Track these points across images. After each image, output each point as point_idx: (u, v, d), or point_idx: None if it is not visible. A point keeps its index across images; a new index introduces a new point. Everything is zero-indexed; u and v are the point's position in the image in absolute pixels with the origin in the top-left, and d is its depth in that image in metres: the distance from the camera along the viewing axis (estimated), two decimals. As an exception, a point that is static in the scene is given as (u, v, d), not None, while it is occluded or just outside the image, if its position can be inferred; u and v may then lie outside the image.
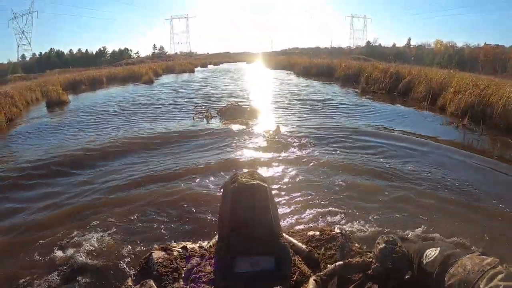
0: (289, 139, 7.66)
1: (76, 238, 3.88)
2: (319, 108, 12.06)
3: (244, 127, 9.03)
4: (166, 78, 28.55)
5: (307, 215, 4.31)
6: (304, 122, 9.75)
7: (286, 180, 5.45)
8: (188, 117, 10.93)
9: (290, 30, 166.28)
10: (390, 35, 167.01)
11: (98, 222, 4.25)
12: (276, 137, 7.90)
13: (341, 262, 2.30)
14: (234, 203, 2.26)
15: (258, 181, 2.26)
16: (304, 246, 2.63)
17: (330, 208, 4.44)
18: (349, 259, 2.34)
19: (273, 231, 2.31)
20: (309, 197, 4.80)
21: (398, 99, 14.11)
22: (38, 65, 61.71)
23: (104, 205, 4.78)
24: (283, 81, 22.39)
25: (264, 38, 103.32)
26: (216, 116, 10.72)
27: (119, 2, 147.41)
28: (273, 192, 3.48)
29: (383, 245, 2.10)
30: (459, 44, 66.83)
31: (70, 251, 3.63)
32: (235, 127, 9.05)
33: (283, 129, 8.45)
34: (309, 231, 2.93)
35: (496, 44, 60.31)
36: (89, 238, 3.86)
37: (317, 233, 2.81)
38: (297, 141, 7.54)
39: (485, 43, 62.64)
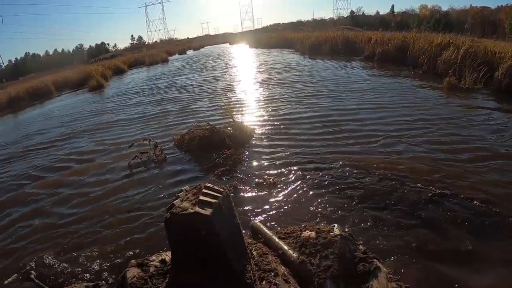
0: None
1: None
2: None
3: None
4: (130, 76, 20.46)
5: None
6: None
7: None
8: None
9: (269, 6, 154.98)
10: (373, 3, 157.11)
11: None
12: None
13: None
14: (170, 240, 1.76)
15: (198, 208, 1.59)
16: (295, 255, 2.09)
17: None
18: None
19: (232, 271, 1.74)
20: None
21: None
22: (15, 71, 54.65)
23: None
24: (290, 68, 13.26)
25: (244, 16, 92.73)
26: (171, 155, 5.31)
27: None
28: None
29: None
30: (444, 8, 62.76)
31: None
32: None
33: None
34: (305, 230, 2.35)
35: (483, 6, 56.59)
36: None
37: (313, 234, 2.24)
38: None
39: (470, 5, 58.96)
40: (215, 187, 1.79)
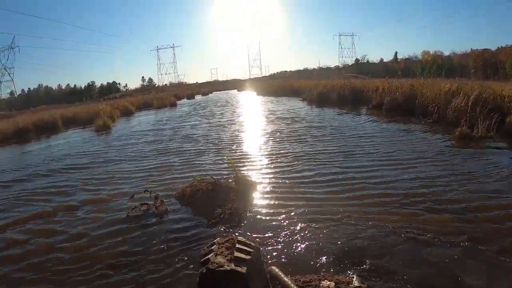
0: None
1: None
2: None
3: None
4: (137, 118, 20.68)
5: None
6: None
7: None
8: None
9: (276, 54, 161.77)
10: (377, 50, 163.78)
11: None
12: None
13: None
14: None
15: (234, 266, 1.61)
16: None
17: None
18: None
19: None
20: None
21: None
22: (28, 101, 57.08)
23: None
24: (300, 119, 12.89)
25: (252, 64, 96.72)
26: (173, 208, 4.94)
27: (105, 35, 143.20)
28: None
29: None
30: (446, 52, 64.99)
31: None
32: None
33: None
34: (323, 280, 2.31)
35: (483, 49, 59.85)
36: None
37: (332, 284, 2.23)
38: None
39: (471, 48, 61.54)
40: (247, 242, 1.80)
